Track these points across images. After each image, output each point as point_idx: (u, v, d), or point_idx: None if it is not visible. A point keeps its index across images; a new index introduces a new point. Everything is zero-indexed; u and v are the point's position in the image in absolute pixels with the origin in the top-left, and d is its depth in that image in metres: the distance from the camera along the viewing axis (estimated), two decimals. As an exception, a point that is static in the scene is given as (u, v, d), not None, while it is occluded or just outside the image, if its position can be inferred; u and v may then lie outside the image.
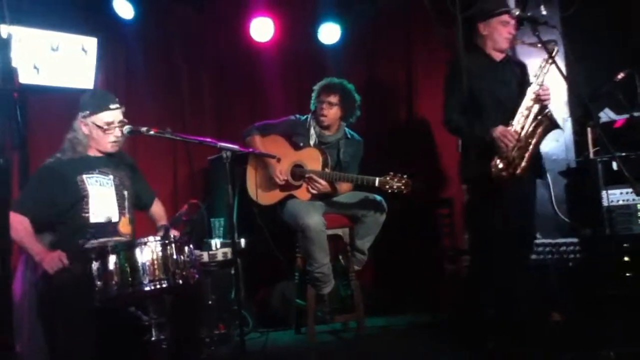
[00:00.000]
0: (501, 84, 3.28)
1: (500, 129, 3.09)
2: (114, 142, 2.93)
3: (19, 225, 2.71)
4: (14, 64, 1.73)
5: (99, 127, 2.89)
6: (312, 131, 3.87)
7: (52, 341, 2.72)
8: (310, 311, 3.60)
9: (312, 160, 3.75)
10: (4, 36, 1.60)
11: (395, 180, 3.43)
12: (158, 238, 2.64)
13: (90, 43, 4.48)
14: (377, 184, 3.48)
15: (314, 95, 3.90)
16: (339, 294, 3.88)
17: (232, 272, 3.57)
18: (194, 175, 4.70)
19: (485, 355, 2.81)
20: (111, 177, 2.95)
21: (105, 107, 2.91)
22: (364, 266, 3.86)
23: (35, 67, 4.33)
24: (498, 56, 3.34)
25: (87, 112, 2.91)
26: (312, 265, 3.56)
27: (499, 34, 3.27)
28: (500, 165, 3.07)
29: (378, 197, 3.73)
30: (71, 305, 2.58)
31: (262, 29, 4.85)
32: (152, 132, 2.87)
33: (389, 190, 3.44)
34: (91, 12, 4.46)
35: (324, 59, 4.95)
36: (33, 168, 3.35)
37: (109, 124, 2.90)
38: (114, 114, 2.93)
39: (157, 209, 3.21)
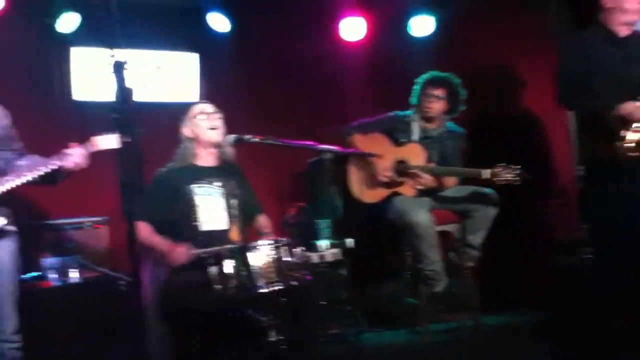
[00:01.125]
0: (623, 60, 3.03)
1: (630, 104, 2.85)
2: (213, 128, 3.01)
3: (143, 229, 2.88)
4: (127, 84, 1.82)
5: (194, 119, 3.00)
6: (413, 126, 3.81)
7: (173, 343, 2.87)
8: (423, 310, 3.53)
9: (415, 155, 3.68)
10: (121, 60, 1.69)
11: (506, 171, 3.28)
12: (270, 241, 2.69)
13: (193, 59, 4.72)
14: (485, 175, 3.35)
15: (417, 88, 3.84)
16: (452, 291, 3.77)
17: (342, 272, 3.58)
18: (294, 179, 4.77)
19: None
20: (220, 186, 3.04)
21: (198, 103, 3.10)
22: (476, 262, 3.73)
23: (144, 86, 4.62)
24: (623, 31, 3.08)
25: (185, 115, 3.07)
26: (423, 263, 3.48)
27: (629, 3, 3.00)
28: (631, 144, 2.81)
29: (487, 190, 3.58)
30: (190, 308, 2.70)
31: (352, 28, 4.86)
32: (255, 140, 2.95)
33: (499, 182, 3.30)
34: (191, 29, 4.67)
35: (418, 53, 4.85)
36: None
37: (201, 112, 3.01)
38: (204, 106, 3.06)
39: (263, 220, 3.26)
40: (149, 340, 3.29)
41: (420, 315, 3.56)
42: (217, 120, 3.03)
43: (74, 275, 3.46)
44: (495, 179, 3.32)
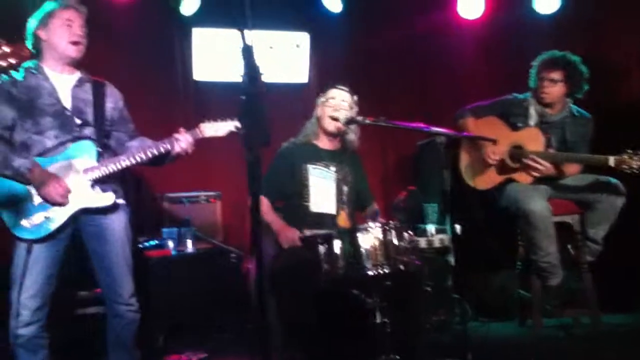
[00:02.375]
0: None
1: None
2: (334, 118, 3.04)
3: (267, 206, 2.98)
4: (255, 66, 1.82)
5: (325, 104, 3.05)
6: (531, 110, 3.59)
7: (281, 318, 2.95)
8: (536, 303, 3.36)
9: (532, 140, 3.48)
10: (249, 43, 1.70)
11: (634, 159, 3.02)
12: (379, 224, 2.68)
13: (303, 38, 4.75)
14: (611, 163, 3.10)
15: (533, 71, 3.61)
16: (568, 286, 3.55)
17: (449, 258, 3.49)
18: (401, 161, 4.70)
19: None
20: (334, 170, 3.07)
21: (333, 86, 3.11)
22: (596, 257, 3.48)
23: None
24: None
25: (320, 94, 3.13)
26: (537, 254, 3.31)
27: None
28: None
29: (613, 180, 3.32)
30: (298, 285, 2.76)
31: (470, 5, 4.66)
32: (367, 121, 2.93)
33: (627, 171, 3.04)
34: (303, 9, 4.70)
35: (541, 31, 4.57)
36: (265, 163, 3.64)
37: (331, 97, 3.06)
38: (338, 92, 3.07)
39: (373, 208, 3.25)
40: (256, 312, 3.41)
41: (532, 308, 3.39)
42: (343, 111, 3.04)
43: (189, 245, 3.65)
44: (621, 166, 3.07)
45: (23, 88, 2.52)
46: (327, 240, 2.70)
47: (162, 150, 2.66)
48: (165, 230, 3.69)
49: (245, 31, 1.69)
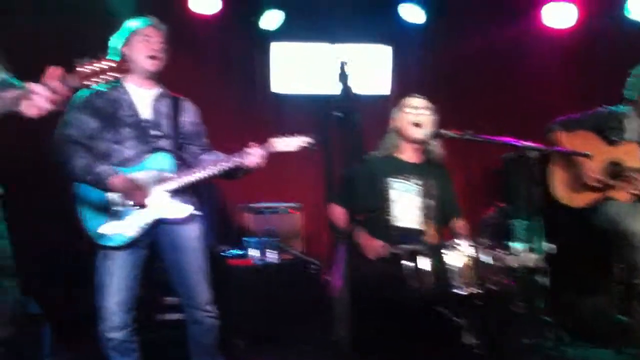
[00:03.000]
0: None
1: None
2: (417, 124, 2.98)
3: (340, 214, 2.96)
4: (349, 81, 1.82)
5: (404, 112, 2.99)
6: (628, 123, 3.39)
7: (362, 331, 2.90)
8: (636, 329, 3.14)
9: (631, 156, 3.28)
10: (344, 58, 1.69)
11: None
12: (469, 242, 2.59)
13: (385, 52, 4.73)
14: None
15: (632, 81, 3.41)
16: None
17: (541, 279, 3.32)
18: (486, 175, 4.55)
19: None
20: (419, 184, 3.01)
21: (411, 95, 3.06)
22: None
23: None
24: None
25: (397, 106, 3.07)
26: (639, 278, 3.10)
27: None
28: None
29: None
30: (380, 299, 2.71)
31: (557, 13, 4.48)
32: (453, 135, 2.86)
33: None
34: (385, 22, 4.68)
35: (635, 39, 4.32)
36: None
37: (409, 105, 3.01)
38: (414, 100, 3.04)
39: (459, 223, 3.16)
40: (335, 325, 3.38)
41: (632, 335, 3.17)
42: (424, 117, 2.99)
43: (271, 255, 3.68)
44: None
45: (105, 100, 2.62)
46: (413, 255, 2.64)
47: (234, 164, 2.70)
48: (246, 240, 3.74)
49: (338, 49, 1.70)
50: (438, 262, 2.57)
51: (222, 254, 3.73)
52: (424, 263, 2.59)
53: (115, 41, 2.75)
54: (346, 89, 1.66)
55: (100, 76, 1.78)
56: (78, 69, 1.75)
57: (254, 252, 3.68)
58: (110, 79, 1.79)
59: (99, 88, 1.95)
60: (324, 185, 4.28)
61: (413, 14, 4.62)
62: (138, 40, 2.70)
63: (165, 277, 2.78)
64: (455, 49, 4.70)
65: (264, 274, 3.63)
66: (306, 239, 4.12)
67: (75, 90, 1.76)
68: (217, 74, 4.48)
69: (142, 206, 2.57)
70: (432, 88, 4.54)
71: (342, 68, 1.67)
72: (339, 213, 2.98)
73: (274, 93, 4.65)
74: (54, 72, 1.70)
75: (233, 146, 2.89)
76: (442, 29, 4.69)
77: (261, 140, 2.76)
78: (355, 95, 1.67)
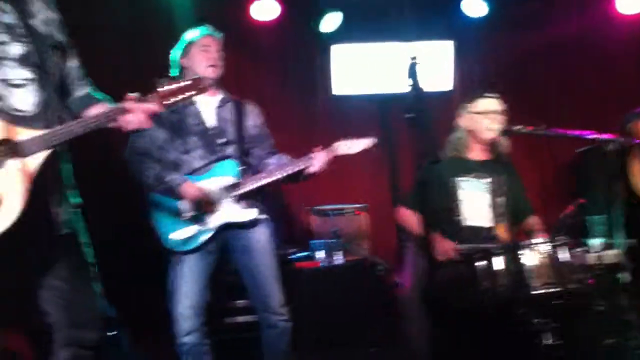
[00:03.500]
0: None
1: None
2: (491, 128, 2.90)
3: (409, 216, 2.92)
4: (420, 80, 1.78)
5: (476, 113, 2.92)
6: None
7: (434, 333, 2.85)
8: None
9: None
10: (414, 57, 1.66)
11: None
12: (546, 240, 2.50)
13: (447, 47, 4.64)
14: None
15: None
16: None
17: (623, 276, 3.15)
18: (559, 171, 4.38)
19: None
20: (488, 182, 2.92)
21: (480, 95, 2.96)
22: None
23: (399, 78, 4.69)
24: None
25: (466, 104, 2.96)
26: None
27: None
28: None
29: None
30: (453, 301, 2.64)
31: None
32: (526, 130, 2.76)
33: None
34: (446, 17, 4.59)
35: None
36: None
37: (486, 110, 2.90)
38: (491, 102, 2.92)
39: (533, 220, 3.04)
40: (405, 326, 3.34)
41: None
42: (498, 120, 2.90)
43: (338, 257, 3.67)
44: None
45: (172, 111, 2.66)
46: (486, 255, 2.56)
47: (298, 168, 2.72)
48: (313, 242, 3.74)
49: (409, 49, 1.67)
50: (512, 261, 2.48)
51: (289, 256, 3.76)
52: (498, 263, 2.50)
53: (174, 53, 2.83)
54: (416, 88, 1.62)
55: (180, 96, 1.82)
56: (158, 89, 1.80)
57: (320, 255, 3.68)
58: (189, 98, 1.83)
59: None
60: (389, 185, 4.27)
61: (475, 8, 4.50)
62: (196, 51, 2.77)
63: (236, 280, 2.83)
64: (520, 41, 4.55)
65: (331, 276, 3.63)
66: (373, 240, 4.08)
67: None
68: (279, 79, 4.54)
69: (212, 213, 2.62)
70: (496, 81, 4.44)
71: (411, 66, 1.64)
72: (408, 215, 2.94)
73: (335, 95, 4.65)
74: (130, 96, 1.76)
75: (296, 149, 2.93)
76: (506, 20, 4.55)
77: (324, 143, 2.78)
78: (426, 93, 1.63)
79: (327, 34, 4.56)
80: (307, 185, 3.13)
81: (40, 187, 1.72)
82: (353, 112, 4.53)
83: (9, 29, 1.73)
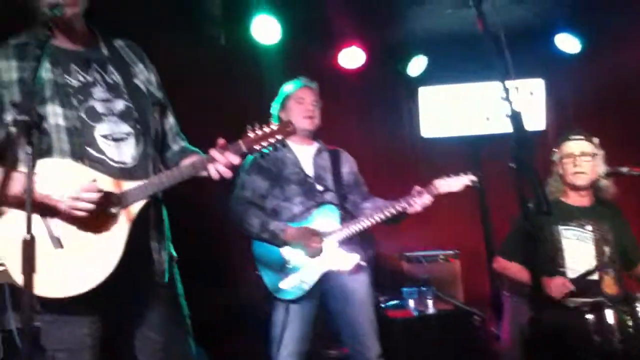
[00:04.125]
0: None
1: None
2: (579, 172, 2.77)
3: (508, 266, 2.80)
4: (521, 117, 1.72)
5: (563, 158, 2.80)
6: None
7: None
8: None
9: None
10: (516, 109, 1.61)
11: None
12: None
13: (537, 85, 4.50)
14: None
15: None
16: None
17: None
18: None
19: None
20: (591, 230, 2.75)
21: (566, 138, 2.85)
22: None
23: (487, 118, 4.60)
24: None
25: (555, 148, 2.86)
26: None
27: None
28: None
29: None
30: (560, 355, 2.47)
31: None
32: (633, 172, 2.60)
33: None
34: (536, 55, 4.46)
35: None
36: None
37: (571, 154, 2.80)
38: (577, 144, 2.80)
39: None
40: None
41: None
42: (585, 162, 2.76)
43: (430, 305, 3.56)
44: None
45: (271, 160, 2.76)
46: (596, 308, 2.40)
47: (399, 209, 2.71)
48: (405, 289, 3.66)
49: (498, 88, 1.62)
50: (627, 315, 2.30)
51: (381, 304, 3.69)
52: (610, 316, 2.33)
53: (274, 107, 2.94)
54: (520, 130, 1.56)
55: (268, 140, 1.87)
56: (248, 134, 1.86)
57: (413, 303, 3.59)
58: (276, 142, 1.88)
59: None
60: (482, 231, 4.12)
61: (568, 43, 4.36)
62: (293, 103, 2.87)
63: (331, 328, 2.81)
64: (615, 77, 4.32)
65: (424, 325, 3.52)
66: (466, 287, 3.94)
67: (245, 155, 1.87)
68: (368, 124, 4.57)
69: (319, 251, 2.63)
70: (591, 118, 4.24)
71: (513, 112, 1.58)
72: (506, 265, 2.82)
73: (424, 138, 4.61)
74: (220, 142, 1.83)
75: (387, 194, 2.91)
76: (602, 55, 4.35)
77: (414, 185, 2.74)
78: (530, 136, 1.56)
79: (414, 77, 4.58)
80: (396, 230, 3.09)
81: (142, 235, 1.81)
82: (443, 155, 4.46)
83: (113, 87, 1.87)
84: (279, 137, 1.89)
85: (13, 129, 1.28)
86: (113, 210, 1.73)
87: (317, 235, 2.65)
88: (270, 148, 1.89)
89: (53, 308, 1.71)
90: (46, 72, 1.76)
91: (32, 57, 1.42)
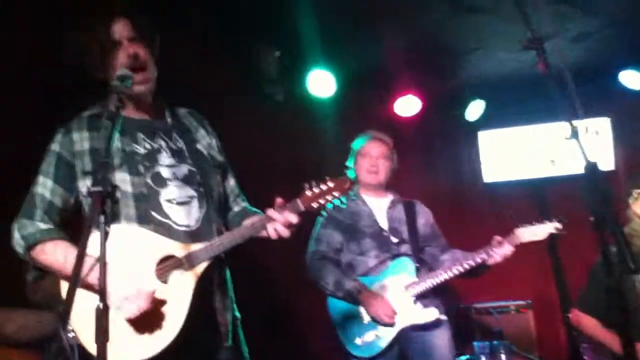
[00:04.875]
0: None
1: None
2: None
3: (588, 321, 2.63)
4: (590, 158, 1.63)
5: (632, 203, 2.63)
6: None
7: None
8: None
9: None
10: (592, 160, 1.53)
11: None
12: None
13: (603, 124, 4.34)
14: None
15: None
16: None
17: None
18: None
19: None
20: None
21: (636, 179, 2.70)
22: None
23: (551, 160, 4.45)
24: None
25: (631, 190, 2.69)
26: None
27: None
28: None
29: None
30: None
31: None
32: None
33: None
34: (601, 93, 4.32)
35: None
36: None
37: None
38: None
39: None
40: None
41: None
42: None
43: (503, 360, 3.38)
44: None
45: (347, 213, 2.74)
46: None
47: (479, 260, 2.60)
48: (477, 344, 3.49)
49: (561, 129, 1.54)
50: None
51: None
52: None
53: (349, 161, 2.95)
54: (596, 183, 1.47)
55: (326, 197, 1.85)
56: (306, 192, 1.84)
57: (484, 358, 3.41)
58: (333, 199, 1.85)
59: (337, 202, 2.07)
60: (555, 281, 3.92)
61: (633, 80, 4.20)
62: (360, 157, 2.87)
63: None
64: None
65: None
66: (541, 340, 3.72)
67: (302, 214, 1.84)
68: (428, 172, 4.50)
69: (391, 318, 2.55)
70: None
71: (585, 158, 1.50)
72: (586, 319, 2.64)
73: (487, 183, 4.49)
74: (278, 201, 1.82)
75: (452, 241, 2.84)
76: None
77: (480, 233, 2.65)
78: (608, 190, 1.47)
79: (472, 122, 4.52)
80: (465, 281, 2.98)
81: (206, 297, 1.80)
82: (507, 200, 4.34)
83: (177, 153, 1.91)
84: (336, 194, 1.86)
85: (88, 199, 1.32)
86: (178, 272, 1.74)
87: (391, 310, 2.57)
88: (330, 205, 1.87)
89: None
90: (115, 141, 1.83)
91: (103, 127, 1.48)
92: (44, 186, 1.80)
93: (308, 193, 1.84)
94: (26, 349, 2.58)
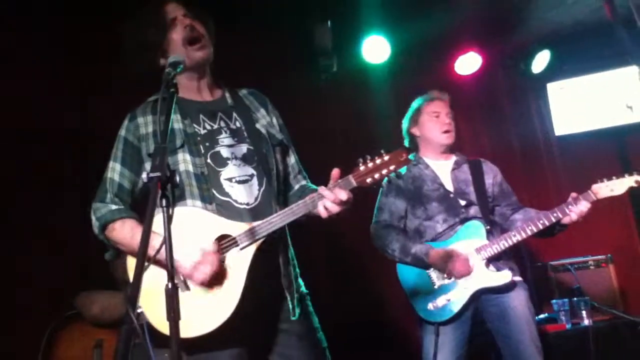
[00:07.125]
0: None
1: None
2: None
3: None
4: None
5: None
6: None
7: None
8: None
9: None
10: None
11: None
12: None
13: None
14: None
15: None
16: None
17: None
18: None
19: None
20: None
21: None
22: None
23: (628, 106, 4.19)
24: None
25: None
26: None
27: None
28: None
29: None
30: None
31: None
32: None
33: None
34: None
35: None
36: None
37: None
38: None
39: None
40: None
41: None
42: None
43: (584, 317, 3.27)
44: None
45: (409, 179, 2.71)
46: None
47: (554, 219, 2.51)
48: (555, 301, 3.39)
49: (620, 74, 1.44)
50: None
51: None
52: None
53: (405, 123, 2.90)
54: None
55: (381, 172, 1.81)
56: (359, 167, 1.82)
57: (564, 316, 3.32)
58: (389, 173, 1.81)
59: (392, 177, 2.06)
60: (637, 231, 3.72)
61: None
62: (426, 118, 2.80)
63: (486, 348, 2.67)
64: None
65: (580, 339, 3.22)
66: (624, 294, 3.57)
67: (356, 190, 1.81)
68: (496, 129, 4.37)
69: (467, 275, 2.53)
70: None
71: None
72: None
73: (559, 136, 4.31)
74: (334, 174, 1.81)
75: (524, 199, 2.73)
76: None
77: (555, 189, 2.55)
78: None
79: (539, 74, 4.32)
80: (539, 239, 2.90)
81: (272, 274, 1.85)
82: (582, 152, 4.14)
83: (237, 133, 1.96)
84: (392, 167, 1.81)
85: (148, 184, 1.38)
86: (235, 249, 1.79)
87: (463, 258, 2.53)
88: (386, 180, 1.84)
89: (192, 349, 1.75)
90: (177, 123, 1.91)
91: (162, 111, 1.54)
92: (114, 170, 1.92)
93: (362, 168, 1.81)
94: (111, 329, 2.79)
